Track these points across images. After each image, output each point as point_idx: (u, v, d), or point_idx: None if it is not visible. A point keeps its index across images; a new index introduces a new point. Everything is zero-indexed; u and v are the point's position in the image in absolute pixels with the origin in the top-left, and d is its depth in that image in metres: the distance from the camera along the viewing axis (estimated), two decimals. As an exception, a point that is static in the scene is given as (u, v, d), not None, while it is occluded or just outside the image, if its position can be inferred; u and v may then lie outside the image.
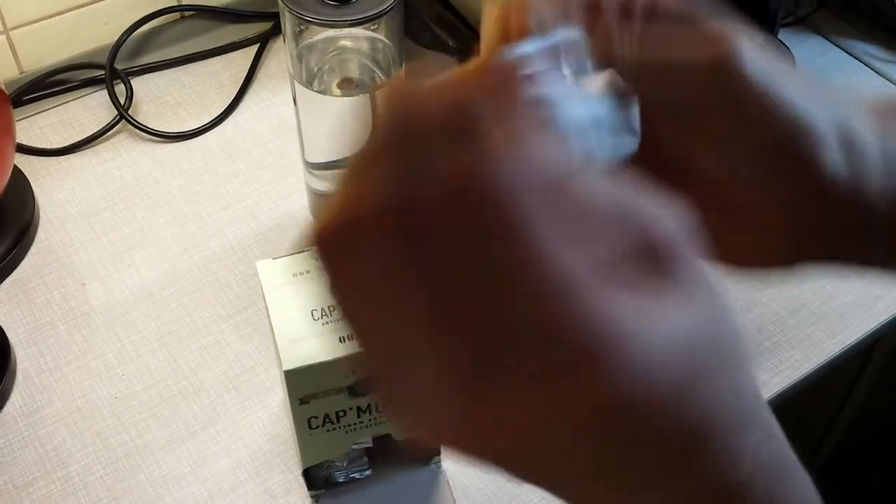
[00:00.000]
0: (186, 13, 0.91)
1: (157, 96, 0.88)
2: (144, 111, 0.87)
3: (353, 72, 0.71)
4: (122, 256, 0.76)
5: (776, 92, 0.28)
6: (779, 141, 0.28)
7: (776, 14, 0.90)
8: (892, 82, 0.93)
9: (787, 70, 0.29)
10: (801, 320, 0.74)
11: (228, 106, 0.87)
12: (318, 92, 0.68)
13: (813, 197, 0.29)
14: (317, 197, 0.75)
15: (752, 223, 0.30)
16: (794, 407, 0.74)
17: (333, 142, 0.72)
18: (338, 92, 0.70)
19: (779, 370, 0.71)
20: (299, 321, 0.55)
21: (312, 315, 0.55)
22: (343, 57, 0.70)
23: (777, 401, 0.70)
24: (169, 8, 0.89)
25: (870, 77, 0.94)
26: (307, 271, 0.57)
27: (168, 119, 0.86)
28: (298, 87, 0.68)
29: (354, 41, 0.70)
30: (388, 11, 0.63)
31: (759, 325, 0.73)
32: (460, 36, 0.66)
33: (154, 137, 0.85)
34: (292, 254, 0.58)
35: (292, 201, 0.80)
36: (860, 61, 0.95)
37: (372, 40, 0.70)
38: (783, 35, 0.93)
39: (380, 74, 0.70)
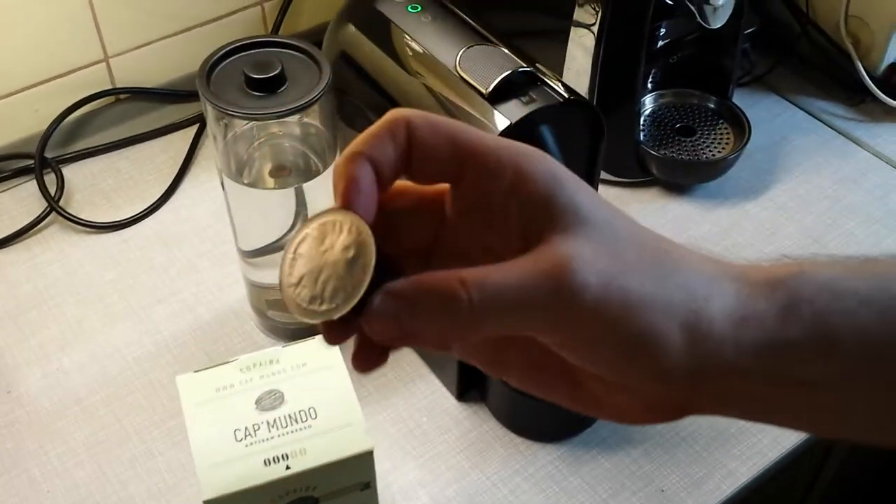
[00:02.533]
0: (122, 96, 0.88)
1: (92, 184, 0.85)
2: (78, 200, 0.83)
3: (286, 158, 0.68)
4: (51, 359, 0.72)
5: (612, 311, 0.30)
6: (618, 352, 0.31)
7: (732, 73, 0.88)
8: (851, 140, 0.91)
9: (635, 262, 0.31)
10: (768, 400, 0.70)
11: (166, 191, 0.83)
12: (247, 185, 0.65)
13: (657, 381, 0.31)
14: (254, 288, 0.72)
15: (624, 396, 0.33)
16: (766, 487, 0.71)
17: (265, 228, 0.68)
18: (270, 182, 0.67)
19: (746, 457, 0.67)
20: (221, 442, 0.51)
21: (235, 435, 0.51)
22: (274, 142, 0.67)
23: (747, 490, 0.66)
24: (103, 92, 0.86)
25: (829, 135, 0.91)
26: (231, 385, 0.53)
27: (103, 208, 0.83)
28: (226, 178, 0.65)
29: (285, 127, 0.66)
30: (315, 101, 0.60)
31: (724, 407, 0.69)
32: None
33: (87, 228, 0.81)
34: (215, 366, 0.54)
35: (232, 292, 0.76)
36: (818, 119, 0.93)
37: (304, 126, 0.66)
38: (740, 95, 0.90)
39: (315, 160, 0.67)
